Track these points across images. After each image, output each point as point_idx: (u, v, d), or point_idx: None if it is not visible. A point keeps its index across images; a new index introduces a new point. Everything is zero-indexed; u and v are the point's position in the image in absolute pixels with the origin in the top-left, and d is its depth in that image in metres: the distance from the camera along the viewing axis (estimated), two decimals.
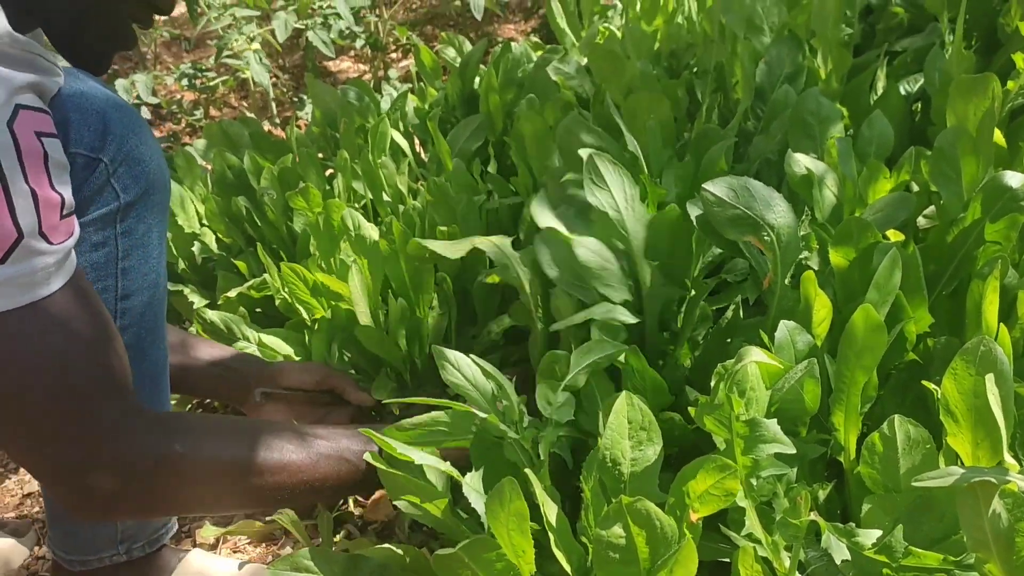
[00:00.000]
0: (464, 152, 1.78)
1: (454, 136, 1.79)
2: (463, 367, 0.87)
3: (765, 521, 0.74)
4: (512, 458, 0.86)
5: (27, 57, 0.74)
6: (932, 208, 1.25)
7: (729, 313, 1.01)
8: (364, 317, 1.33)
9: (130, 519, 1.00)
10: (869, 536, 0.68)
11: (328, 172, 1.79)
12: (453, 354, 0.88)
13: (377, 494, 1.27)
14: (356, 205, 1.66)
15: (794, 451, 0.70)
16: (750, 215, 0.90)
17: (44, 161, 0.73)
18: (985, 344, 0.71)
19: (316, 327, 1.36)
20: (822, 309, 0.85)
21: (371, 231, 1.38)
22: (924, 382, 0.80)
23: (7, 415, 0.75)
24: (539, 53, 2.06)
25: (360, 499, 1.29)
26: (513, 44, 1.90)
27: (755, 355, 0.71)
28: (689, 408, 0.76)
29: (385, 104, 1.91)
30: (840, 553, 0.68)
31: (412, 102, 1.95)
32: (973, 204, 0.92)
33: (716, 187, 0.92)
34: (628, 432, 0.75)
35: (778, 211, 0.91)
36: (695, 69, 1.80)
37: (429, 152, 1.84)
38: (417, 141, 1.94)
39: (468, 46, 2.13)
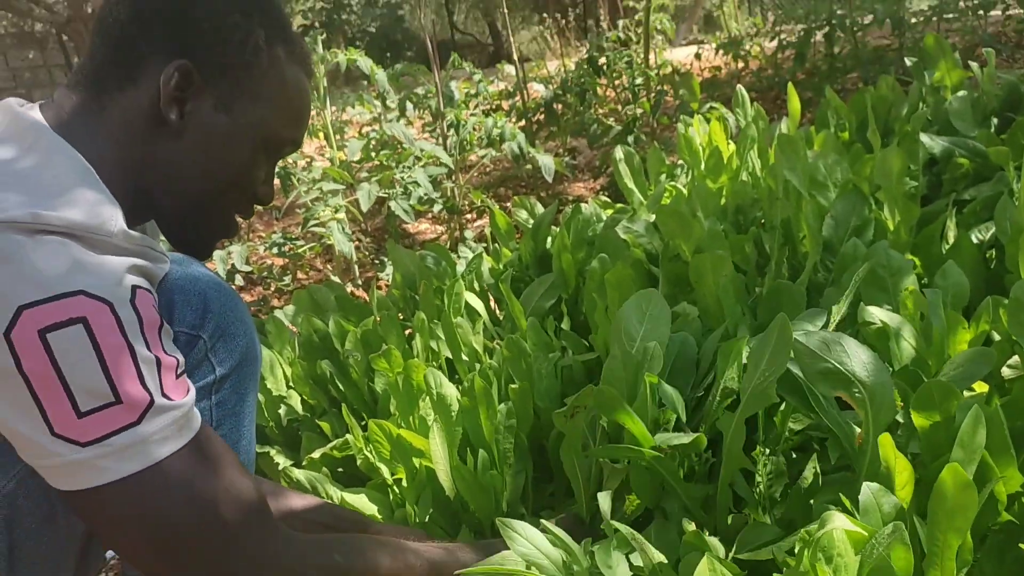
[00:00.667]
0: (538, 310, 1.84)
1: (528, 294, 1.85)
2: (532, 537, 0.88)
3: None
4: None
5: (139, 250, 0.82)
6: (1016, 358, 1.23)
7: (808, 474, 1.00)
8: (444, 475, 1.34)
9: None
10: None
11: (408, 331, 1.86)
12: (521, 525, 0.89)
13: None
14: (434, 364, 1.72)
15: None
16: (841, 370, 0.91)
17: (159, 330, 0.80)
18: None
19: (403, 484, 1.38)
20: (903, 472, 0.84)
21: (450, 389, 1.41)
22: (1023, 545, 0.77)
23: (166, 558, 0.80)
24: (608, 212, 2.15)
25: None
26: (583, 205, 1.98)
27: (838, 521, 0.70)
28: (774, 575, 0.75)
29: (461, 266, 1.99)
30: None
31: (487, 263, 2.03)
32: None
33: (808, 339, 0.93)
34: None
35: (870, 368, 0.91)
36: (763, 223, 1.84)
37: (504, 311, 1.90)
38: (493, 300, 2.01)
39: (540, 208, 2.23)
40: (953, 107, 2.00)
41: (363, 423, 1.46)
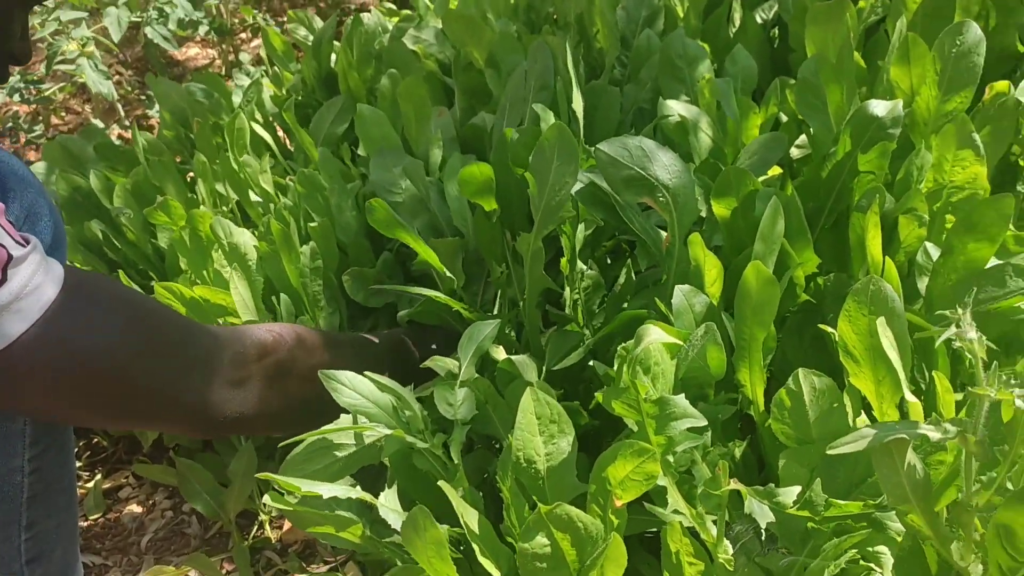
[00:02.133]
0: (331, 137, 1.70)
1: (318, 121, 1.71)
2: (358, 386, 0.82)
3: (687, 490, 0.73)
4: (424, 467, 0.83)
5: None
6: (803, 138, 1.27)
7: (622, 278, 0.99)
8: None
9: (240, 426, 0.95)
10: (789, 494, 0.68)
11: (190, 175, 1.68)
12: (344, 375, 0.83)
13: None
14: (224, 209, 1.57)
15: (705, 422, 0.69)
16: (644, 175, 0.88)
17: None
18: (875, 283, 0.71)
19: None
20: (712, 269, 0.84)
21: (244, 236, 1.30)
22: (821, 326, 0.80)
23: (99, 395, 0.76)
24: (394, 21, 1.98)
25: (276, 523, 1.23)
26: (365, 16, 1.81)
27: (655, 334, 0.69)
28: (596, 394, 0.74)
29: (237, 97, 1.79)
30: (764, 516, 0.68)
31: (268, 89, 1.84)
32: (843, 137, 0.92)
33: (610, 147, 0.89)
34: (539, 428, 0.73)
35: (673, 171, 0.88)
36: (555, 18, 1.76)
37: (295, 142, 1.75)
38: (280, 131, 1.84)
39: (319, 21, 2.03)
40: None
41: (153, 283, 1.32)
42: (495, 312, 1.21)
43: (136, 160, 1.65)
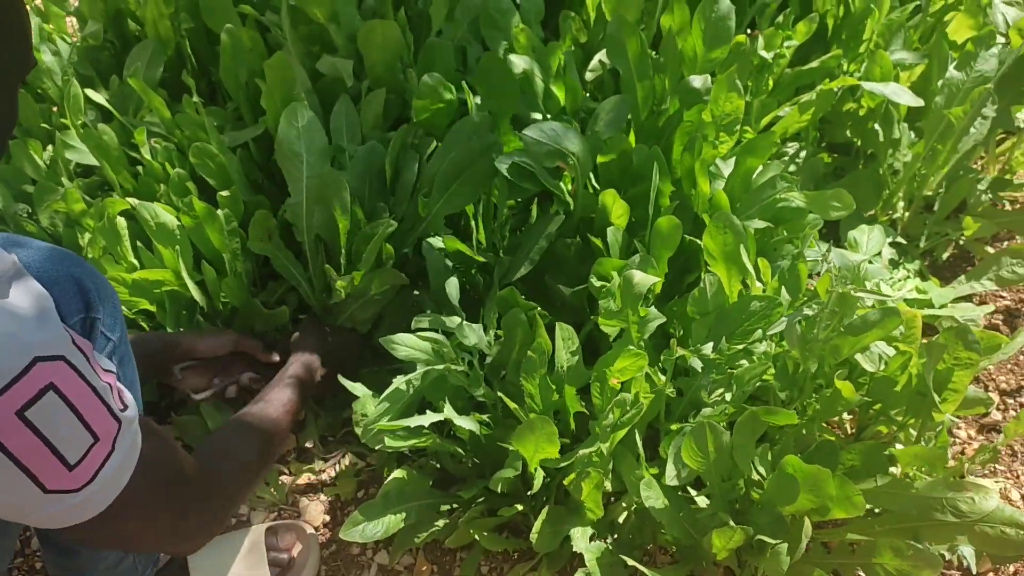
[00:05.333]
0: (149, 83, 1.77)
1: (132, 69, 1.75)
2: (406, 341, 1.17)
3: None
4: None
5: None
6: (595, 62, 1.70)
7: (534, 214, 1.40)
8: (197, 294, 1.45)
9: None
10: (707, 349, 1.19)
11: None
12: (398, 337, 1.17)
13: None
14: (75, 173, 1.62)
15: (664, 319, 1.16)
16: (559, 148, 1.27)
17: (92, 350, 0.80)
18: (727, 219, 1.21)
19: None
20: (619, 209, 1.28)
21: (167, 216, 1.44)
22: (691, 239, 1.29)
23: (141, 530, 0.88)
24: None
25: None
26: None
27: (639, 277, 1.13)
28: (592, 317, 1.17)
29: (45, 55, 1.73)
30: (696, 364, 1.19)
31: (56, 42, 1.80)
32: (672, 100, 1.38)
33: (532, 132, 1.26)
34: (564, 345, 1.15)
35: (575, 142, 1.28)
36: None
37: (109, 92, 1.77)
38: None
39: None
40: None
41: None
42: None
43: None
